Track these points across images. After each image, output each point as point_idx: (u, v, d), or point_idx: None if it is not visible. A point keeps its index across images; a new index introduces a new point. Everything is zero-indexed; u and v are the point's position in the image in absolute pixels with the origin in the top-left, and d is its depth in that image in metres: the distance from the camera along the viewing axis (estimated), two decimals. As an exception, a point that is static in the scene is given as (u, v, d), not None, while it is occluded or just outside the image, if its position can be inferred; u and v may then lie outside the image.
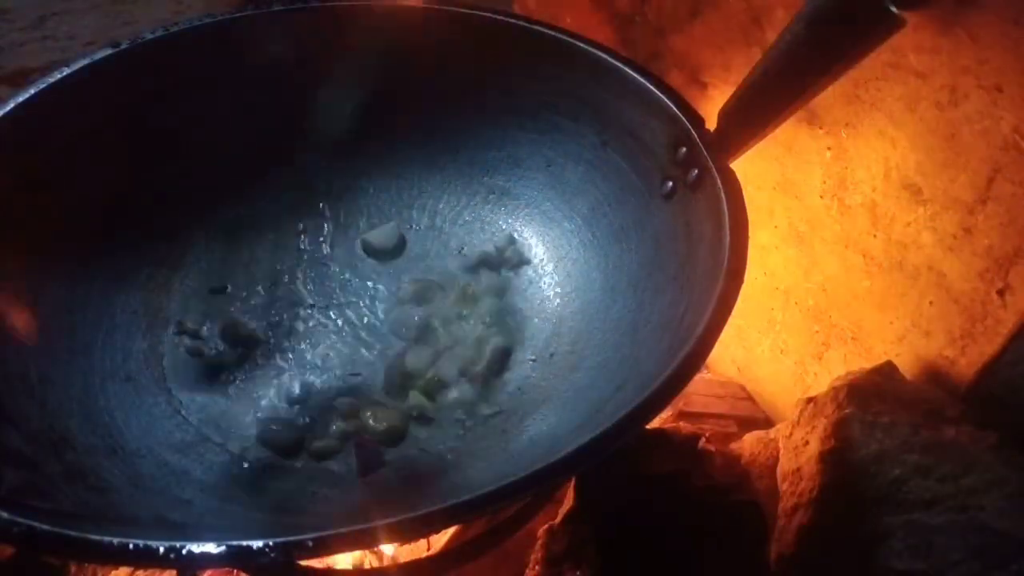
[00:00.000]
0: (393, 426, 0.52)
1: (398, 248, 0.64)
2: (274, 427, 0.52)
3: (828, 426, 0.51)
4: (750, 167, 0.63)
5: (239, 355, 0.57)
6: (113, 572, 0.61)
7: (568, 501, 0.57)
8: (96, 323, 0.52)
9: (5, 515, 0.32)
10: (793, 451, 0.56)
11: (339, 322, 0.60)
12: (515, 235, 0.64)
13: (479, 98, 0.63)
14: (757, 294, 0.71)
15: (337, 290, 0.62)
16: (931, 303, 0.53)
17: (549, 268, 0.62)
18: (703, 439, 0.60)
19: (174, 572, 0.48)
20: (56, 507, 0.37)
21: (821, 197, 0.60)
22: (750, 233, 0.43)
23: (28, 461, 0.40)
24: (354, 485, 0.50)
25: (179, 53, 0.57)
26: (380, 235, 0.64)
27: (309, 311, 0.60)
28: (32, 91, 0.50)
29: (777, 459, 0.58)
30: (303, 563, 0.49)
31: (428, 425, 0.54)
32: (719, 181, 0.46)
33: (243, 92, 0.61)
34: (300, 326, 0.59)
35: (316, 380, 0.56)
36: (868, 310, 0.58)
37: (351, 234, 0.65)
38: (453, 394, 0.55)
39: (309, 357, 0.58)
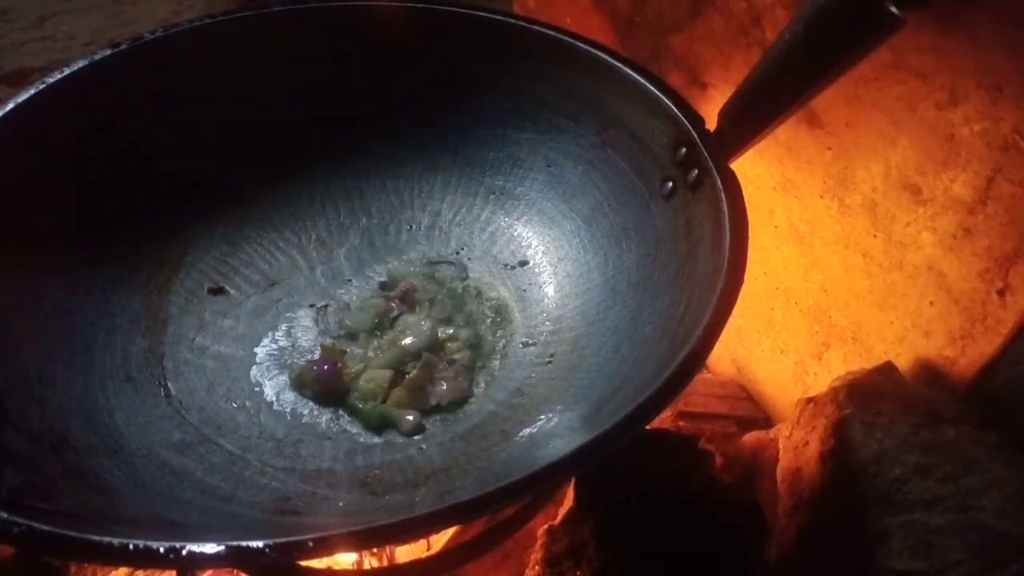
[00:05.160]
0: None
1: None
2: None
3: (828, 426, 0.51)
4: (750, 167, 0.63)
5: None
6: (113, 572, 0.61)
7: (568, 501, 0.57)
8: (96, 323, 0.52)
9: (5, 515, 0.32)
10: (793, 451, 0.56)
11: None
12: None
13: (479, 98, 0.63)
14: (757, 294, 0.71)
15: (338, 290, 0.62)
16: (931, 303, 0.53)
17: (549, 268, 0.62)
18: (703, 439, 0.60)
19: (174, 572, 0.48)
20: (56, 507, 0.37)
21: (821, 197, 0.60)
22: (750, 233, 0.43)
23: (28, 461, 0.39)
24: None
25: (179, 53, 0.57)
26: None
27: (309, 311, 0.60)
28: (32, 91, 0.50)
29: (777, 459, 0.58)
30: (303, 563, 0.49)
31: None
32: (719, 181, 0.46)
33: (243, 92, 0.61)
34: (300, 326, 0.59)
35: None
36: (868, 310, 0.58)
37: (351, 235, 0.65)
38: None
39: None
